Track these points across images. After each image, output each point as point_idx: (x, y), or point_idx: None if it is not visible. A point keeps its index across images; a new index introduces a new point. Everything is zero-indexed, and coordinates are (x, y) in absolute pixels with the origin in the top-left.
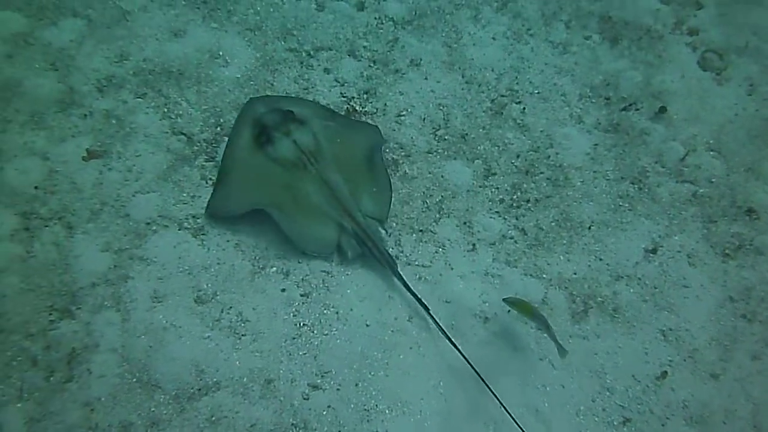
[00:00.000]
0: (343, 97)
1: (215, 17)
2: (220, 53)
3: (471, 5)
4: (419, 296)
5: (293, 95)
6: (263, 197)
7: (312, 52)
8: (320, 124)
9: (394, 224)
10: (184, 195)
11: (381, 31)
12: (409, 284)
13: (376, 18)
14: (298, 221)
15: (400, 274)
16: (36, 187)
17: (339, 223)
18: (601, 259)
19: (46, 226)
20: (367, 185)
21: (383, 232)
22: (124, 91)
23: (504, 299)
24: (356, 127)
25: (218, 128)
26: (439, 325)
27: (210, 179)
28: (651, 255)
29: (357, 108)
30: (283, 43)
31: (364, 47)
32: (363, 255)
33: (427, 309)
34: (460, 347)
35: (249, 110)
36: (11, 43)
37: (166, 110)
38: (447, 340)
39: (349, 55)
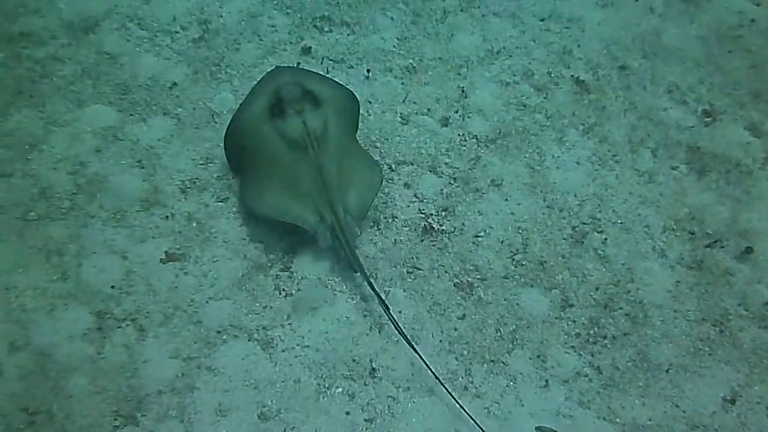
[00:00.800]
0: (421, 213)
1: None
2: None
3: (556, 127)
4: (382, 297)
5: (371, 207)
6: (257, 165)
7: (393, 166)
8: (335, 110)
9: (465, 352)
10: (257, 305)
11: (464, 148)
12: (383, 298)
13: (459, 135)
14: (284, 197)
15: (363, 270)
16: (113, 287)
17: (321, 213)
18: (677, 406)
19: (119, 327)
20: (358, 181)
21: (358, 231)
22: (206, 195)
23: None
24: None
25: (295, 236)
26: (400, 329)
27: (284, 289)
28: (729, 405)
29: (434, 226)
30: None
31: (446, 164)
32: (333, 248)
33: (387, 309)
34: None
35: (273, 77)
36: (101, 137)
37: (246, 216)
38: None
39: (430, 171)
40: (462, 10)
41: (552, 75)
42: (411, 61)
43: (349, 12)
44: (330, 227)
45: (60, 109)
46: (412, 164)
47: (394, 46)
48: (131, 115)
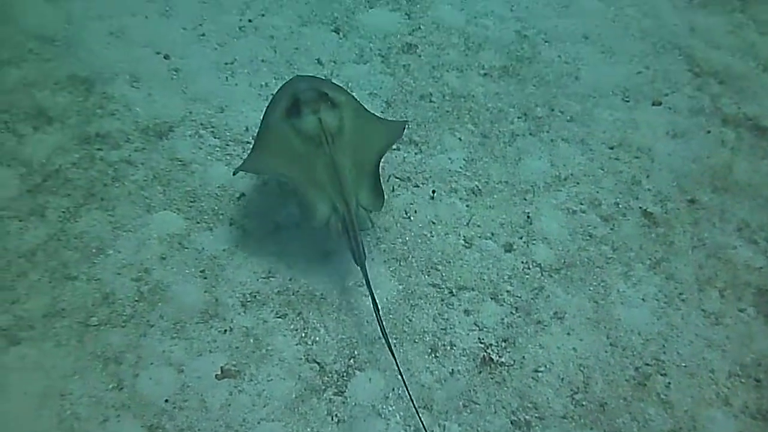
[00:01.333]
0: (481, 343)
1: (365, 243)
2: (364, 282)
3: (623, 260)
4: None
5: (429, 333)
6: (279, 164)
7: (454, 291)
8: (351, 112)
9: None
10: (308, 430)
11: (527, 276)
12: (369, 282)
13: (523, 262)
14: (302, 188)
15: (363, 265)
16: (166, 400)
17: (334, 204)
18: None
19: None
20: (372, 177)
21: (370, 223)
22: (265, 310)
23: None
24: (384, 123)
25: (351, 360)
26: (384, 330)
27: (336, 415)
28: None
29: (493, 357)
30: (426, 277)
31: (508, 292)
32: (342, 238)
33: (376, 307)
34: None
35: (291, 85)
36: (167, 244)
37: (303, 335)
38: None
39: (491, 299)
40: (531, 134)
41: (620, 205)
42: (477, 183)
43: (418, 130)
44: (341, 218)
45: (129, 213)
46: (473, 290)
47: (460, 167)
48: (198, 223)
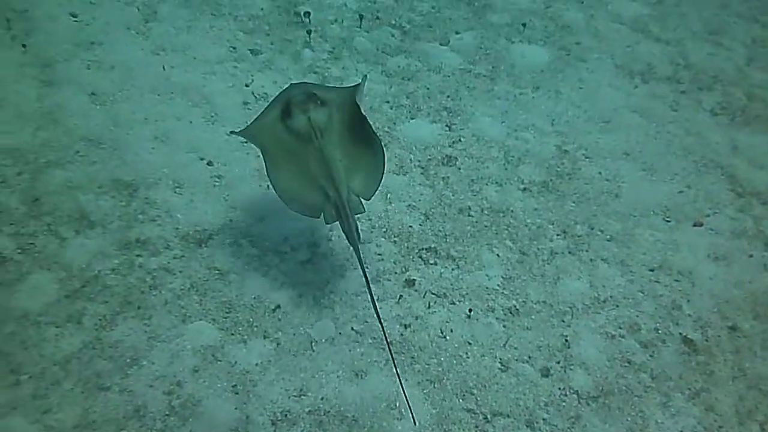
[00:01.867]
0: None
1: (399, 361)
2: (397, 404)
3: (662, 389)
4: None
5: None
6: (270, 155)
7: (489, 416)
8: (341, 109)
9: None
10: None
11: (564, 404)
12: (363, 265)
13: (560, 388)
14: (294, 186)
15: (359, 254)
16: None
17: (326, 192)
18: None
19: None
20: (363, 168)
21: (363, 208)
22: (296, 430)
23: None
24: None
25: None
26: (378, 314)
27: None
28: None
29: None
30: (461, 401)
31: (544, 420)
32: (337, 222)
33: (368, 284)
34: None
35: (285, 91)
36: (201, 356)
37: None
38: None
39: (527, 426)
40: (570, 253)
41: (659, 331)
42: (515, 302)
43: (455, 245)
44: (334, 204)
45: (165, 323)
46: (508, 417)
47: (498, 285)
48: (232, 335)
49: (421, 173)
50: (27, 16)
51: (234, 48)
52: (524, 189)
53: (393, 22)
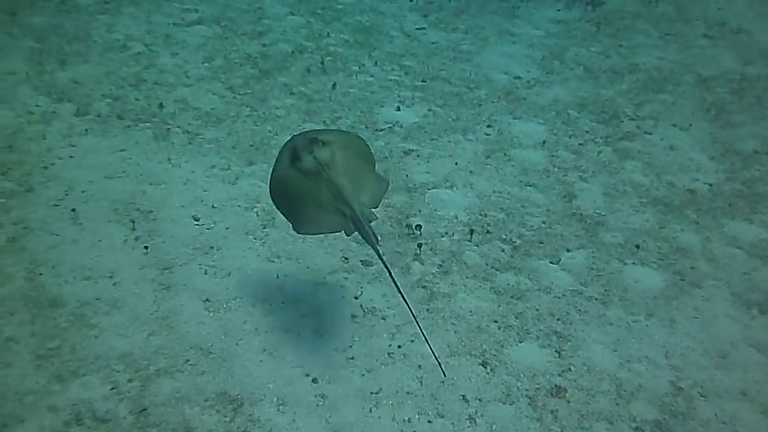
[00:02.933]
0: None
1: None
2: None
3: None
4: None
5: None
6: (289, 200)
7: None
8: (340, 146)
9: None
10: None
11: None
12: (383, 258)
13: None
14: (313, 214)
15: (378, 252)
16: None
17: (342, 211)
18: None
19: None
20: (366, 186)
21: (375, 216)
22: None
23: None
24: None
25: None
26: (404, 296)
27: None
28: None
29: None
30: None
31: None
32: (355, 232)
33: (390, 273)
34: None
35: (290, 141)
36: None
37: None
38: None
39: None
40: None
41: None
42: None
43: None
44: (350, 219)
45: None
46: None
47: None
48: None
49: (528, 404)
50: (151, 217)
51: (346, 258)
52: (636, 428)
53: (503, 236)
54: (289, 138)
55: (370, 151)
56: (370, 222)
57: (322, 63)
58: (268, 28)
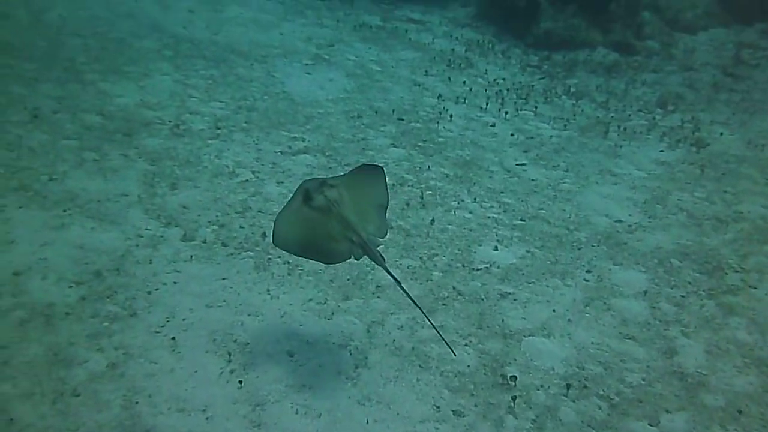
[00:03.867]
0: None
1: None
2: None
3: None
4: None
5: None
6: (300, 237)
7: None
8: (347, 186)
9: None
10: None
11: None
12: (391, 272)
13: None
14: (324, 246)
15: (385, 267)
16: None
17: (350, 239)
18: None
19: None
20: (372, 219)
21: (381, 244)
22: None
23: None
24: (370, 181)
25: None
26: (413, 300)
27: None
28: None
29: None
30: None
31: None
32: (364, 256)
33: (400, 284)
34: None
35: (301, 186)
36: None
37: None
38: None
39: None
40: None
41: None
42: None
43: None
44: (358, 245)
45: None
46: None
47: None
48: None
49: None
50: (247, 349)
51: (438, 407)
52: None
53: (601, 392)
54: (299, 184)
55: (383, 186)
56: (377, 246)
57: (422, 197)
58: (371, 159)
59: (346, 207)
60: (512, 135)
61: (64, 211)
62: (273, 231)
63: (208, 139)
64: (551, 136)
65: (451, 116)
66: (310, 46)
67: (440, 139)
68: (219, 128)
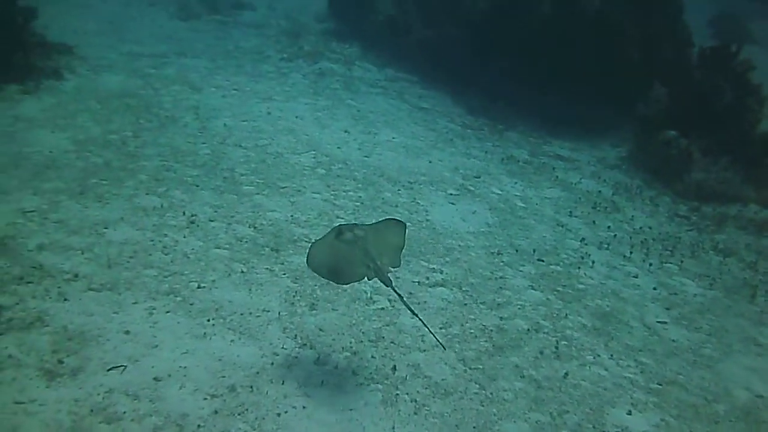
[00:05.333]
0: None
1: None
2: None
3: None
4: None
5: None
6: (328, 262)
7: None
8: (373, 230)
9: None
10: None
11: None
12: (399, 293)
13: None
14: (345, 269)
15: (394, 288)
16: None
17: (367, 265)
18: None
19: None
20: (388, 254)
21: (393, 271)
22: None
23: None
24: (392, 230)
25: None
26: (411, 309)
27: None
28: None
29: None
30: None
31: None
32: (375, 279)
33: (402, 298)
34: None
35: (335, 227)
36: None
37: None
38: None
39: None
40: None
41: None
42: None
43: None
44: (373, 270)
45: None
46: None
47: None
48: None
49: None
50: None
51: None
52: None
53: None
54: (335, 226)
55: (402, 237)
56: (387, 273)
57: (557, 347)
58: (507, 300)
59: (368, 243)
60: (655, 289)
61: (208, 320)
62: (308, 255)
63: None
64: (695, 294)
65: (593, 262)
66: (456, 176)
67: (580, 286)
68: None
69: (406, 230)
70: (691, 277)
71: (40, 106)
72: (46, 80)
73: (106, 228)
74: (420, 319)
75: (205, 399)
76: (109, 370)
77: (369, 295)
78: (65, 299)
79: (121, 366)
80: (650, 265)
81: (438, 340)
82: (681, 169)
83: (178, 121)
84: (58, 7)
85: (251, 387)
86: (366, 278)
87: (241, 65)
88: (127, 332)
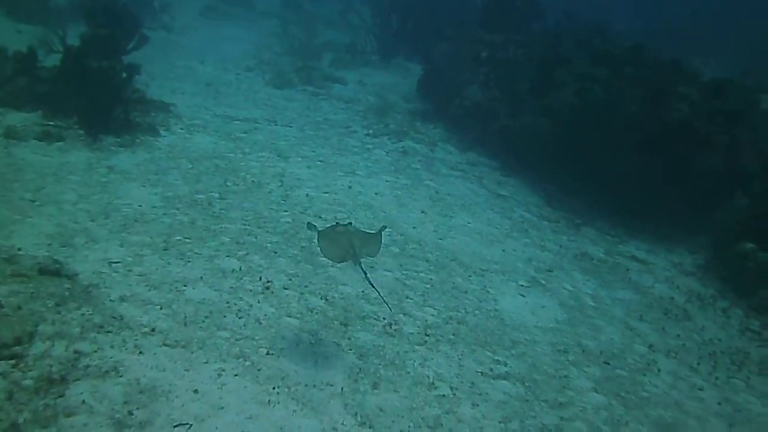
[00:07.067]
0: None
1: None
2: None
3: None
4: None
5: None
6: (328, 245)
7: None
8: (359, 231)
9: None
10: None
11: None
12: (364, 270)
13: None
14: (337, 251)
15: (362, 268)
16: None
17: (350, 252)
18: None
19: None
20: (367, 247)
21: (369, 257)
22: None
23: None
24: (373, 235)
25: None
26: (371, 283)
27: None
28: None
29: None
30: None
31: None
32: (352, 263)
33: (366, 274)
34: None
35: (333, 225)
36: None
37: None
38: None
39: None
40: None
41: None
42: None
43: None
44: (352, 256)
45: None
46: None
47: None
48: None
49: None
50: None
51: None
52: None
53: None
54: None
55: (380, 240)
56: (361, 258)
57: None
58: (569, 400)
59: (354, 238)
60: (719, 404)
61: (274, 388)
62: (318, 239)
63: (416, 345)
64: (759, 414)
65: (659, 370)
66: (528, 268)
67: (644, 393)
68: (427, 335)
69: (382, 236)
70: (757, 395)
71: (134, 160)
72: (142, 135)
73: (185, 286)
74: (379, 293)
75: None
76: (175, 426)
77: (431, 380)
78: (140, 352)
79: (187, 424)
80: (716, 378)
81: (389, 307)
82: (756, 282)
83: (264, 187)
84: (160, 67)
85: None
86: (352, 262)
87: (328, 137)
88: (196, 391)
